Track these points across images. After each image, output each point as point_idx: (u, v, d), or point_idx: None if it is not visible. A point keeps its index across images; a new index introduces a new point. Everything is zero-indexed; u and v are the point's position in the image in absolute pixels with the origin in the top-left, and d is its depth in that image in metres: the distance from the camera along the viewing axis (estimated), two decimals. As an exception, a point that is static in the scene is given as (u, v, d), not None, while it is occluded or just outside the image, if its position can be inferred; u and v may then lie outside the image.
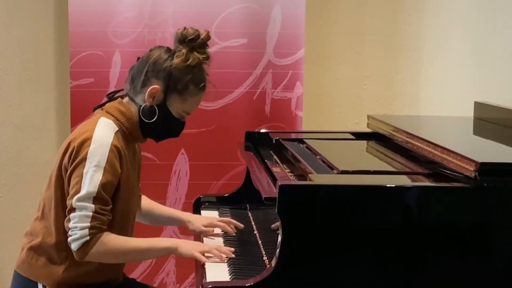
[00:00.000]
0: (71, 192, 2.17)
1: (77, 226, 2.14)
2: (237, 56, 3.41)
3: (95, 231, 2.14)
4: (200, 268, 2.18)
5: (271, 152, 2.72)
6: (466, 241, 1.93)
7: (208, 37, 2.28)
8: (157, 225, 2.66)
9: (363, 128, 2.98)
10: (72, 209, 2.15)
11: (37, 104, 3.74)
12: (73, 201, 2.14)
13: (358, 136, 2.83)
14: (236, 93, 3.43)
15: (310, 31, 3.61)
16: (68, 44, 3.39)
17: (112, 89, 3.36)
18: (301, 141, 2.68)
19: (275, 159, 2.63)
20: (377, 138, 2.76)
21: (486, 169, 1.91)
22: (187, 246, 2.23)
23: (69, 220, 2.16)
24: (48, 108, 3.75)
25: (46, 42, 3.71)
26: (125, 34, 3.36)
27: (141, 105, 2.28)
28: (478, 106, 2.94)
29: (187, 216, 2.55)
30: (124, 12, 3.36)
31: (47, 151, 3.70)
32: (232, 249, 2.24)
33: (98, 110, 2.32)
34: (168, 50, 2.29)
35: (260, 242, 2.36)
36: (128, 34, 3.36)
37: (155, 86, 2.25)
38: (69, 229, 2.15)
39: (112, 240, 2.18)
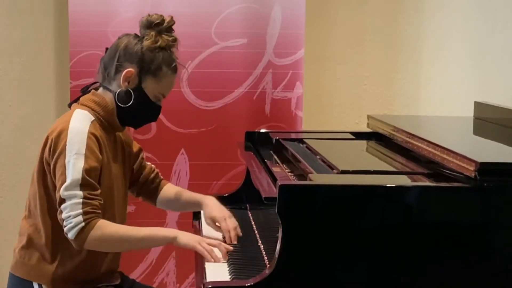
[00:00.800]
0: (57, 185, 2.18)
1: (70, 215, 2.14)
2: (237, 56, 3.41)
3: (89, 216, 2.15)
4: (200, 268, 2.18)
5: (271, 152, 2.72)
6: (466, 241, 1.93)
7: (172, 21, 2.35)
8: (181, 211, 2.66)
9: (363, 128, 2.98)
10: (62, 200, 2.15)
11: (37, 104, 3.74)
12: (61, 192, 2.15)
13: (358, 136, 2.83)
14: (236, 93, 3.43)
15: (310, 31, 3.61)
16: (68, 44, 3.39)
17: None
18: (301, 141, 2.68)
19: (275, 159, 2.63)
20: (377, 138, 2.76)
21: (486, 169, 1.91)
22: (187, 237, 2.22)
23: (61, 212, 2.16)
24: (48, 108, 3.75)
25: (46, 42, 3.71)
26: (125, 34, 3.35)
27: (116, 91, 2.30)
28: (478, 106, 2.94)
29: (207, 200, 2.50)
30: (124, 12, 3.36)
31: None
32: (231, 248, 2.23)
33: (74, 105, 2.34)
34: (136, 36, 2.35)
35: (260, 242, 2.36)
36: (128, 34, 3.35)
37: (130, 69, 2.29)
38: (63, 220, 2.16)
39: (109, 226, 2.19)
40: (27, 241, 2.30)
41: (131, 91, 2.29)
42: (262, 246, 2.31)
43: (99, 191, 2.20)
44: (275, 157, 2.65)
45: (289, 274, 1.89)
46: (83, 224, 2.14)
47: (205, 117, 3.42)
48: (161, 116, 3.36)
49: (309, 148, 2.55)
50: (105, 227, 2.18)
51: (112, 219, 2.28)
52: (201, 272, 2.13)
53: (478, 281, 1.94)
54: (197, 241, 2.21)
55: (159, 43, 2.30)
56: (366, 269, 1.92)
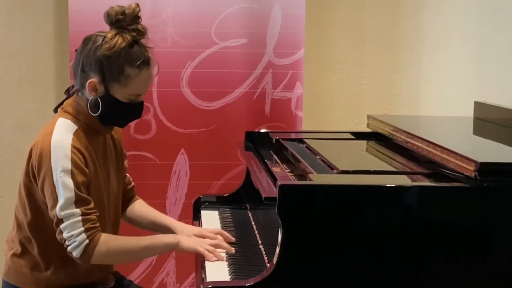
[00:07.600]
0: (49, 204, 2.14)
1: (72, 234, 2.11)
2: (237, 56, 3.41)
3: (91, 232, 2.13)
4: (200, 268, 2.18)
5: (271, 152, 2.72)
6: (466, 241, 1.93)
7: (137, 9, 2.16)
8: (148, 230, 2.61)
9: (363, 128, 2.98)
10: (60, 221, 2.12)
11: (37, 104, 3.74)
12: (57, 212, 2.11)
13: (358, 136, 2.83)
14: (236, 93, 3.43)
15: (310, 31, 3.61)
16: (68, 44, 3.39)
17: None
18: (301, 141, 2.68)
19: (275, 159, 2.63)
20: (377, 138, 2.76)
21: (486, 169, 1.91)
22: (189, 241, 2.22)
23: (61, 232, 2.13)
24: (48, 108, 3.74)
25: (46, 42, 3.71)
26: (125, 34, 3.35)
27: (89, 99, 2.21)
28: (478, 106, 2.94)
29: (180, 225, 2.43)
30: (124, 12, 3.36)
31: (47, 151, 3.70)
32: (233, 249, 2.24)
33: (59, 109, 2.28)
34: (98, 37, 2.17)
35: (260, 242, 2.36)
36: (128, 34, 3.35)
37: (92, 80, 2.17)
38: (65, 240, 2.13)
39: (112, 239, 2.18)
40: (18, 251, 2.28)
41: (99, 100, 2.18)
42: (262, 246, 2.31)
43: (92, 204, 2.16)
44: (275, 157, 2.65)
45: (289, 274, 1.89)
46: (87, 241, 2.12)
47: (205, 117, 3.41)
48: (161, 116, 3.40)
49: (309, 148, 2.55)
50: (110, 241, 2.15)
51: (103, 225, 2.23)
52: (201, 272, 2.13)
53: (478, 281, 1.94)
54: (197, 243, 2.20)
55: (116, 46, 2.13)
56: (366, 269, 1.92)
